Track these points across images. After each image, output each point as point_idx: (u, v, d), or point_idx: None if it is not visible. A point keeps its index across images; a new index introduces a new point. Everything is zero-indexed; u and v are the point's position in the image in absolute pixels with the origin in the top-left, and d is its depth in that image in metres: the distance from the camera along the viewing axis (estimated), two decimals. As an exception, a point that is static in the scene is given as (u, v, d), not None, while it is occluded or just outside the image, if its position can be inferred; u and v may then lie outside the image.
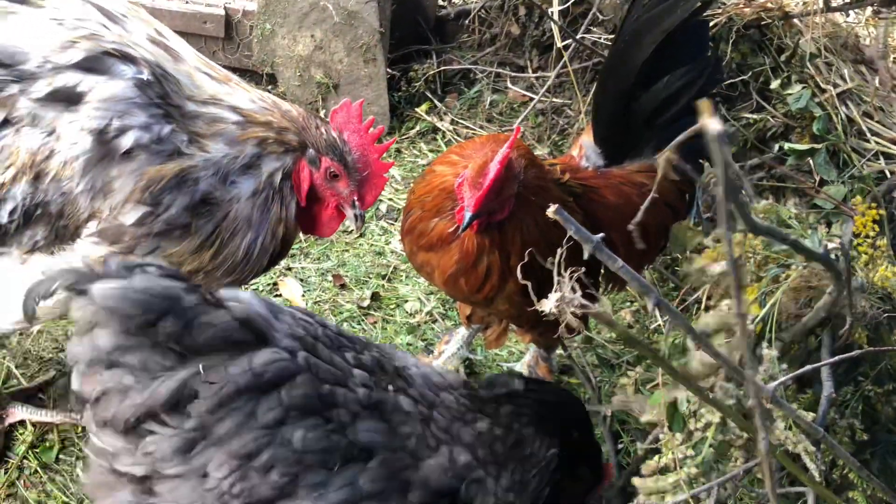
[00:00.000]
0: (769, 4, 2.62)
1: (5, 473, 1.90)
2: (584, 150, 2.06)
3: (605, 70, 2.01)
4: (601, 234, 1.17)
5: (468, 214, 1.66)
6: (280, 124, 1.59)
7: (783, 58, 2.55)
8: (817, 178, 2.13)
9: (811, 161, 2.13)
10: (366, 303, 2.62)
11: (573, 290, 1.22)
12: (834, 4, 2.61)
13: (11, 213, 1.38)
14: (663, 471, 1.50)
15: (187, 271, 1.53)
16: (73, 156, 1.37)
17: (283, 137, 1.60)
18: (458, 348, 2.34)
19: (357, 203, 1.68)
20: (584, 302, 1.21)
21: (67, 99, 1.38)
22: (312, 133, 1.60)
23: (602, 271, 1.96)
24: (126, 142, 1.38)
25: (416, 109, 3.46)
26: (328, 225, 1.76)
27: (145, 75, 1.43)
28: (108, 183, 1.39)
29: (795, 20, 2.58)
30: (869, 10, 2.85)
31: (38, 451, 1.96)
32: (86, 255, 1.42)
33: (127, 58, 1.45)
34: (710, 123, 0.92)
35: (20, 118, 1.36)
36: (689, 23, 1.81)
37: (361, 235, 2.92)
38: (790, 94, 2.41)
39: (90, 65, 1.41)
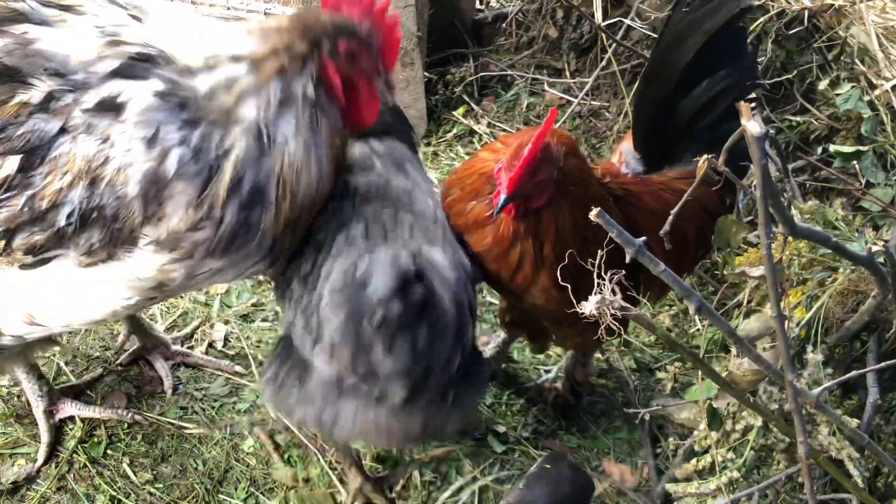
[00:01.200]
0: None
1: (56, 467, 1.96)
2: (623, 156, 2.04)
3: (646, 75, 1.99)
4: (643, 238, 1.17)
5: (503, 197, 1.67)
6: (284, 41, 1.50)
7: (832, 56, 2.50)
8: (863, 181, 2.09)
9: (856, 164, 2.09)
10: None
11: (613, 292, 1.22)
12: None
13: (69, 216, 1.43)
14: (701, 473, 1.49)
15: (281, 231, 1.54)
16: (127, 162, 1.41)
17: (294, 51, 1.50)
18: (496, 352, 2.34)
19: (383, 70, 1.61)
20: (625, 304, 1.21)
21: (114, 109, 1.42)
22: (315, 27, 1.52)
23: (641, 276, 1.95)
24: (171, 164, 1.42)
25: (453, 112, 3.47)
26: (369, 107, 1.67)
27: (161, 86, 1.45)
28: (160, 191, 1.43)
29: (846, 10, 2.50)
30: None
31: (87, 445, 2.01)
32: (147, 263, 1.48)
33: (148, 59, 1.47)
34: (750, 125, 0.93)
35: (76, 126, 1.41)
36: (730, 25, 1.80)
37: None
38: (839, 95, 2.36)
39: (126, 72, 1.45)
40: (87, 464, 1.97)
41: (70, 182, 1.41)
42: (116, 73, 1.44)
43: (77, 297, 1.58)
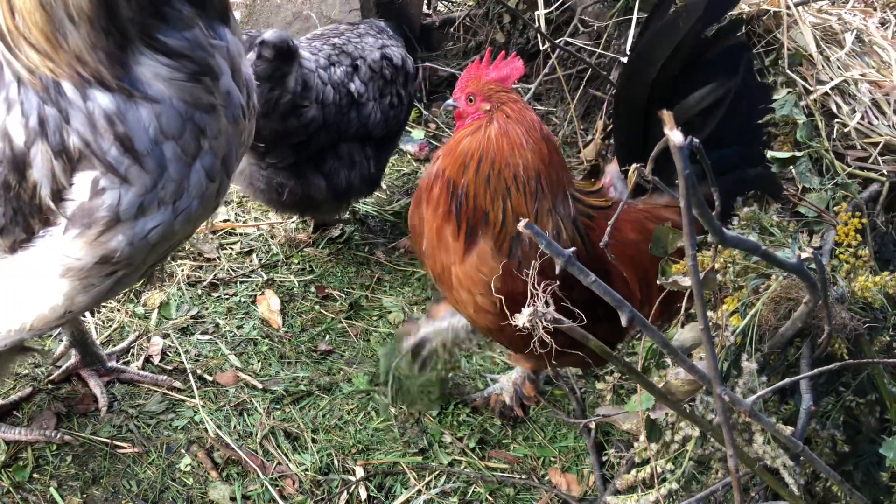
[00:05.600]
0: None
1: (-22, 493, 1.87)
2: (611, 178, 1.95)
3: (618, 90, 1.95)
4: (573, 249, 1.15)
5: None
6: None
7: (768, 61, 2.53)
8: (800, 186, 2.11)
9: (793, 169, 2.11)
10: (348, 313, 2.59)
11: (546, 303, 1.20)
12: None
13: None
14: (643, 485, 1.48)
15: None
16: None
17: None
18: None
19: None
20: (558, 316, 1.19)
21: None
22: None
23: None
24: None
25: (402, 118, 3.43)
26: None
27: None
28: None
29: (785, 13, 2.51)
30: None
31: (10, 470, 1.92)
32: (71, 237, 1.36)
33: None
34: (673, 135, 0.91)
35: None
36: (695, 34, 1.71)
37: (346, 241, 2.90)
38: (775, 100, 2.38)
39: None
40: (11, 489, 1.87)
41: None
42: None
43: (23, 291, 1.48)
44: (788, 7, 2.52)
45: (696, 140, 0.96)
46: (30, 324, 1.52)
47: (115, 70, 1.25)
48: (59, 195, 1.33)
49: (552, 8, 2.99)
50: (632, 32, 2.70)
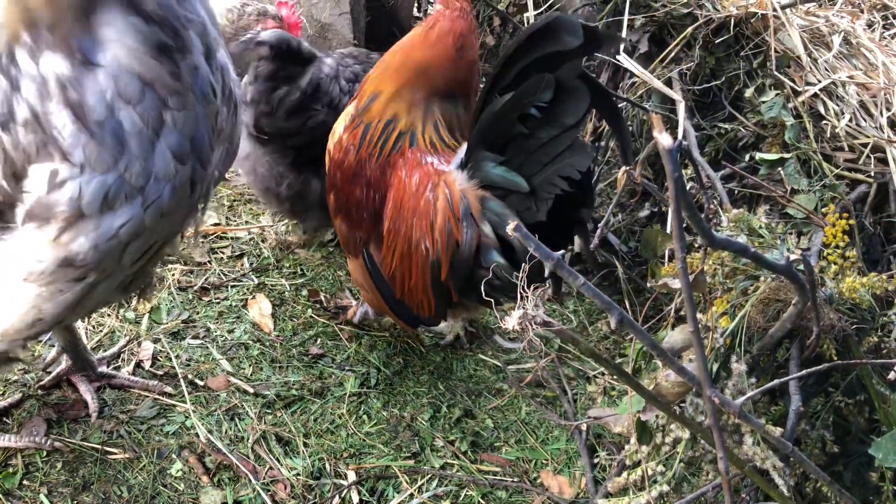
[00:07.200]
0: (742, 2, 2.57)
1: (-33, 500, 1.86)
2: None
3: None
4: (561, 252, 1.15)
5: None
6: None
7: (757, 63, 2.54)
8: (788, 188, 2.12)
9: (781, 171, 2.12)
10: (339, 318, 2.59)
11: (536, 306, 1.20)
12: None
13: None
14: (634, 487, 1.48)
15: None
16: None
17: None
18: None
19: None
20: (548, 319, 1.19)
21: None
22: None
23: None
24: None
25: (392, 121, 3.43)
26: None
27: None
28: None
29: (771, 17, 2.54)
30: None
31: (0, 477, 1.91)
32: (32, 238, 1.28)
33: None
34: (662, 138, 0.91)
35: None
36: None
37: (337, 244, 2.90)
38: (764, 102, 2.40)
39: None
40: (1, 497, 1.86)
41: None
42: None
43: None
44: (775, 10, 2.53)
45: (684, 143, 0.97)
46: None
47: (78, 26, 1.17)
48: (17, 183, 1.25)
49: (541, 10, 3.00)
50: (623, 34, 2.71)
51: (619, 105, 2.74)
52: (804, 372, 1.29)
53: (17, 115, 1.20)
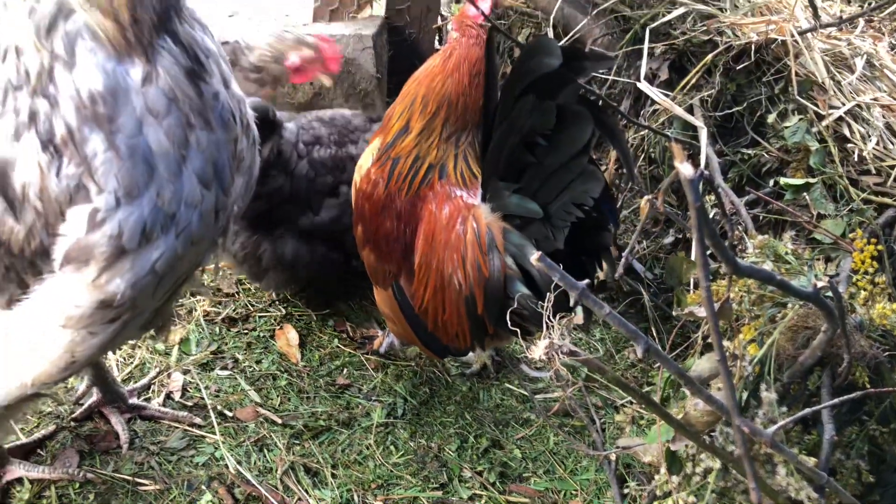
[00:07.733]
0: (762, 28, 2.58)
1: (2, 533, 1.89)
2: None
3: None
4: (586, 281, 1.16)
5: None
6: None
7: (778, 88, 2.54)
8: (815, 213, 2.11)
9: (807, 196, 2.11)
10: (366, 347, 2.61)
11: (562, 336, 1.20)
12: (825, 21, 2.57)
13: None
14: (665, 518, 1.46)
15: None
16: None
17: None
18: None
19: None
20: (575, 349, 1.19)
21: None
22: None
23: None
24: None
25: (416, 152, 3.47)
26: None
27: None
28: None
29: (791, 42, 2.54)
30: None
31: (34, 508, 1.94)
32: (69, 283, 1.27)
33: None
34: (683, 168, 0.92)
35: None
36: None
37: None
38: (787, 127, 2.39)
39: None
40: (35, 528, 1.89)
41: None
42: None
43: (20, 347, 1.39)
44: (793, 35, 2.54)
45: (706, 172, 0.97)
46: (30, 381, 1.43)
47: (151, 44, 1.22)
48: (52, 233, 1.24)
49: (562, 42, 3.03)
50: (644, 62, 2.73)
51: (622, 123, 2.76)
52: (837, 400, 1.28)
53: (56, 135, 1.20)
